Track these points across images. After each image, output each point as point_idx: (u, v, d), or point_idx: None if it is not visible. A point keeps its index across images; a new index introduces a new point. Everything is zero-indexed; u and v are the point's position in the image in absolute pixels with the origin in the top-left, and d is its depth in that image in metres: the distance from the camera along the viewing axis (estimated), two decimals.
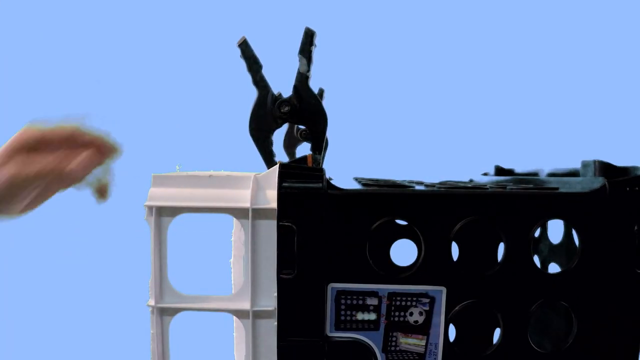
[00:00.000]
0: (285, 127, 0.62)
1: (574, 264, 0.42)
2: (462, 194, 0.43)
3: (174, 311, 0.45)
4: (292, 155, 0.73)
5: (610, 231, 0.41)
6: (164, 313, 0.45)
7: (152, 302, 0.44)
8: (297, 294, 0.42)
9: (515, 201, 0.42)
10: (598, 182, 0.42)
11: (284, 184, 0.42)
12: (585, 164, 0.47)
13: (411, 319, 0.43)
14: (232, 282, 0.66)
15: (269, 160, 0.46)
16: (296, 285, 0.42)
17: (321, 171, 0.42)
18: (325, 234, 0.41)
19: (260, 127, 0.46)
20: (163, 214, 0.44)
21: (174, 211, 0.44)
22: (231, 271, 0.63)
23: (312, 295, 0.42)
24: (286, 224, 0.42)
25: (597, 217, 0.41)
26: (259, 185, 0.44)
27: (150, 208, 0.44)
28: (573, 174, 0.52)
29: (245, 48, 0.46)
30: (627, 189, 0.41)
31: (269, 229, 0.43)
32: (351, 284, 0.42)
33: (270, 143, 0.47)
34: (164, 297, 0.44)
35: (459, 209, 0.42)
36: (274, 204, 0.42)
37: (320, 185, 0.41)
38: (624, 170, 0.44)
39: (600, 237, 0.41)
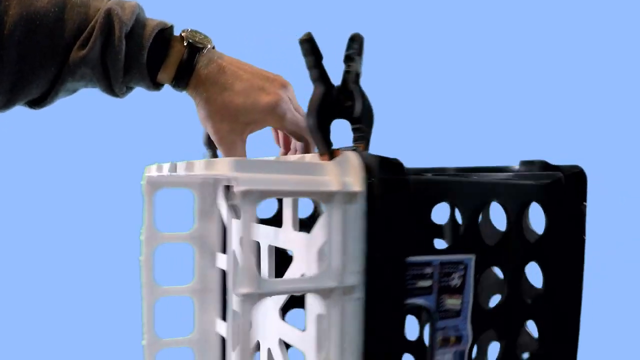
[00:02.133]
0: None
1: (546, 233, 0.57)
2: (492, 182, 0.55)
3: (259, 297, 0.45)
4: (214, 151, 0.73)
5: (565, 208, 0.58)
6: (252, 300, 0.44)
7: (245, 290, 0.44)
8: (383, 269, 0.47)
9: (516, 188, 0.56)
10: (554, 175, 0.58)
11: (374, 172, 0.47)
12: (528, 162, 0.63)
13: (452, 283, 0.52)
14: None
15: (330, 151, 0.50)
16: (382, 261, 0.47)
17: (400, 162, 0.48)
18: (403, 215, 0.48)
19: (325, 120, 0.49)
20: (252, 197, 0.44)
21: (263, 195, 0.45)
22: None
23: (395, 269, 0.48)
24: (376, 207, 0.47)
25: (557, 199, 0.58)
26: (339, 172, 0.47)
27: (244, 193, 0.43)
28: (496, 169, 0.68)
29: (312, 44, 0.49)
30: (573, 179, 0.58)
31: (355, 212, 0.47)
32: (418, 256, 0.50)
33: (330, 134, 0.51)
34: (253, 284, 0.44)
35: (487, 194, 0.54)
36: (357, 188, 0.47)
37: (403, 174, 0.48)
38: (558, 167, 0.61)
39: (560, 212, 0.57)
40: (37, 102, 0.59)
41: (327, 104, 0.49)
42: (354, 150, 0.50)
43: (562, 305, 0.57)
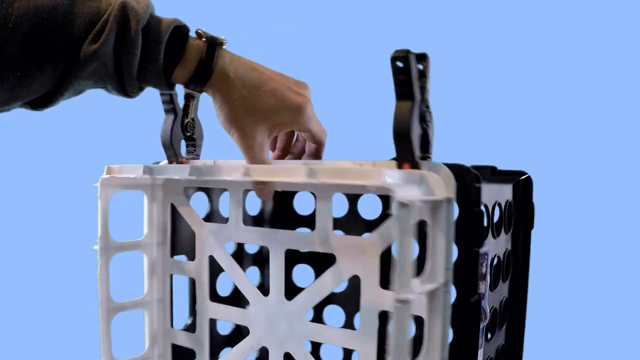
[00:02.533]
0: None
1: (513, 221, 0.71)
2: (498, 185, 0.65)
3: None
4: (176, 148, 0.70)
5: (522, 201, 0.72)
6: (407, 305, 0.47)
7: (406, 296, 0.46)
8: (473, 262, 0.55)
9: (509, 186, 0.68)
10: (515, 177, 0.73)
11: (465, 180, 0.54)
12: (480, 167, 0.76)
13: (482, 271, 0.62)
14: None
15: (415, 160, 0.54)
16: (474, 254, 0.55)
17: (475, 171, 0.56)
18: (477, 214, 0.55)
19: (410, 132, 0.53)
20: (410, 208, 0.46)
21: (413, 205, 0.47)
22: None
23: (474, 261, 0.56)
24: (476, 210, 0.54)
25: (517, 195, 0.72)
26: (433, 181, 0.53)
27: (404, 204, 0.45)
28: None
29: (408, 62, 0.52)
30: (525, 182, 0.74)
31: (446, 215, 0.53)
32: (482, 248, 0.58)
33: None
34: (408, 289, 0.46)
35: (496, 195, 0.65)
36: (451, 195, 0.53)
37: (479, 180, 0.55)
38: (509, 172, 0.76)
39: (521, 204, 0.72)
40: (40, 103, 0.54)
41: (414, 116, 0.54)
42: (424, 159, 0.56)
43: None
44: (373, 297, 0.58)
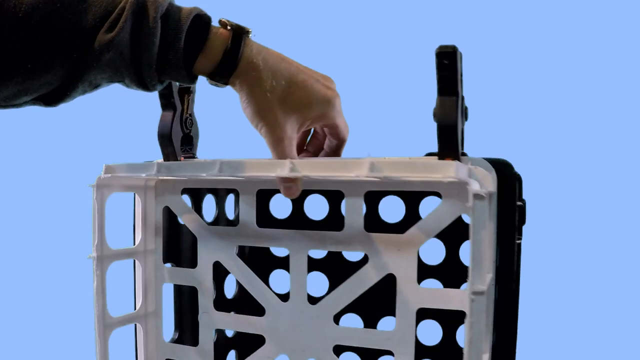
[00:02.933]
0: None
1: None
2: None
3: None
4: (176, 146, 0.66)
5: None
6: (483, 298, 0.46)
7: (482, 287, 0.45)
8: (514, 255, 0.55)
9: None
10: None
11: (506, 174, 0.54)
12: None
13: None
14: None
15: (458, 155, 0.54)
16: (516, 248, 0.55)
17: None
18: (514, 206, 0.56)
19: (457, 127, 0.53)
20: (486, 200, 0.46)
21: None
22: None
23: (516, 253, 0.56)
24: (519, 203, 0.54)
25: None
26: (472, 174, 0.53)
27: (480, 196, 0.45)
28: None
29: (455, 59, 0.51)
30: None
31: (494, 208, 0.53)
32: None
33: None
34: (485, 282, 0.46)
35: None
36: (493, 189, 0.53)
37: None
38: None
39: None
40: (54, 98, 0.51)
41: (459, 111, 0.54)
42: (463, 155, 0.56)
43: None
44: (410, 295, 0.57)
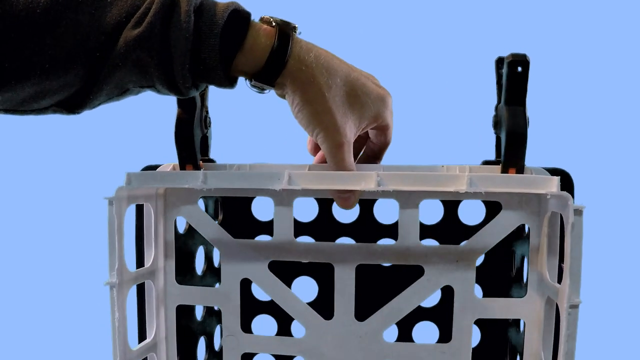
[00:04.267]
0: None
1: None
2: None
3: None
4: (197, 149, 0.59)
5: None
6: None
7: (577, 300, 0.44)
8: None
9: None
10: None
11: (571, 183, 0.54)
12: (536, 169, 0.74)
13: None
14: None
15: (522, 166, 0.52)
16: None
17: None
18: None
19: (526, 137, 0.51)
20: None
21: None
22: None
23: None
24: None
25: None
26: None
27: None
28: None
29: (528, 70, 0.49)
30: None
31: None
32: None
33: None
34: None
35: None
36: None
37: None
38: None
39: None
40: (76, 103, 0.46)
41: (527, 121, 0.52)
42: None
43: None
44: (469, 307, 0.55)
